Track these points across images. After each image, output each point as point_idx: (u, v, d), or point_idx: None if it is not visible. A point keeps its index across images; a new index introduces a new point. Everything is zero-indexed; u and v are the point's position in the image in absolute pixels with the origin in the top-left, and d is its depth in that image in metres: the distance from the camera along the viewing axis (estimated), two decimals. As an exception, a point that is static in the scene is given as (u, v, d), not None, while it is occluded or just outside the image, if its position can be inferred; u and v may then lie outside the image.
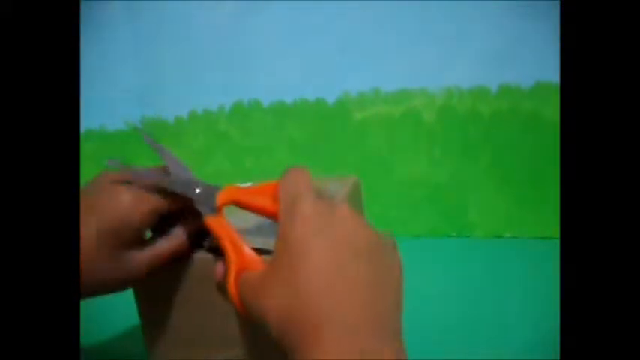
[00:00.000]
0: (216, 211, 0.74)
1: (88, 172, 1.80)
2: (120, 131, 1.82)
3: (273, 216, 0.68)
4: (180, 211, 0.79)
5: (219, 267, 0.74)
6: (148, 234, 0.81)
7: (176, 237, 0.78)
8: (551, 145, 1.42)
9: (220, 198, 0.75)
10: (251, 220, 0.77)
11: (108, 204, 0.68)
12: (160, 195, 0.76)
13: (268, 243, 0.68)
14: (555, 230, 1.46)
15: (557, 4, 0.65)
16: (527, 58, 1.41)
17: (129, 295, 0.87)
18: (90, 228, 0.66)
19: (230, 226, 0.73)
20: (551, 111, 1.42)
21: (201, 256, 0.79)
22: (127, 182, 0.76)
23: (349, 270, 0.54)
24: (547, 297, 1.04)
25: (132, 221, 0.73)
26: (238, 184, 0.84)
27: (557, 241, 0.65)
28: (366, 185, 1.59)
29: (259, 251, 0.71)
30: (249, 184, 0.85)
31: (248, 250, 0.69)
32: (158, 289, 0.82)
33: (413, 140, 1.55)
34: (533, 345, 1.04)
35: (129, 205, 0.68)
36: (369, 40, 1.54)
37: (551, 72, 1.39)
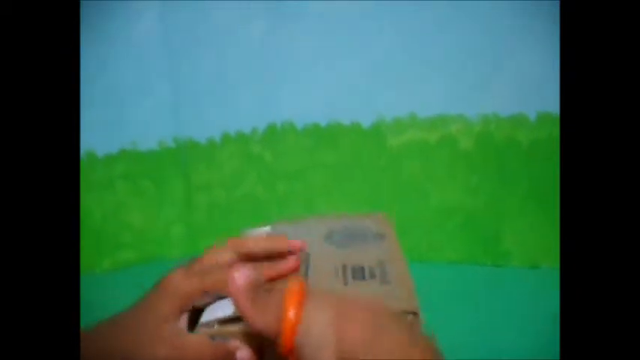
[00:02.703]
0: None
1: (120, 190, 1.82)
2: (152, 151, 1.82)
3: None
4: None
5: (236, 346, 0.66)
6: None
7: None
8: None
9: None
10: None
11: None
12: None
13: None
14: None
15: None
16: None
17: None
18: None
19: None
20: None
21: None
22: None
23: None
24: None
25: None
26: (257, 228, 0.82)
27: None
28: (401, 211, 1.58)
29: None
30: (267, 229, 0.84)
31: None
32: None
33: (449, 167, 1.53)
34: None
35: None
36: (405, 64, 1.53)
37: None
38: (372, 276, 0.62)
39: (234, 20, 1.66)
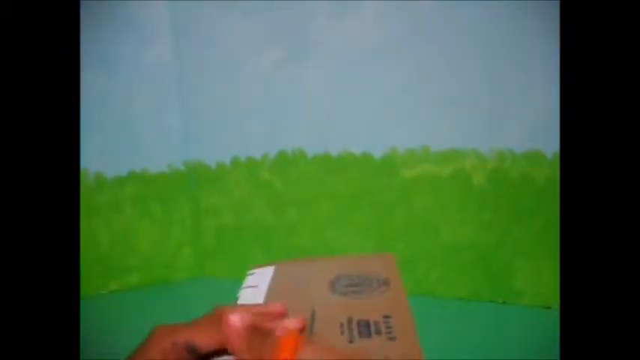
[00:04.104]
0: None
1: (128, 213, 1.81)
2: (162, 173, 1.81)
3: None
4: None
5: None
6: None
7: None
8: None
9: None
10: None
11: None
12: None
13: None
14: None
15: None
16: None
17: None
18: None
19: None
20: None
21: None
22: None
23: None
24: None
25: None
26: (262, 267, 0.79)
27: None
28: (411, 245, 1.54)
29: None
30: (272, 268, 0.80)
31: None
32: None
33: (461, 202, 1.50)
34: None
35: None
36: (419, 97, 1.51)
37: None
38: (378, 332, 0.61)
39: (247, 48, 1.65)
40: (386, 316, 0.64)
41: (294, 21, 1.59)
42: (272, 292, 0.71)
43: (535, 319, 1.46)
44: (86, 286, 1.57)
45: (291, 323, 0.57)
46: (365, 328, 0.62)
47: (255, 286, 0.73)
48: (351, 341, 0.60)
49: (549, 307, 1.47)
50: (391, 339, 0.60)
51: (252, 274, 0.84)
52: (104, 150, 1.70)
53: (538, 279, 1.48)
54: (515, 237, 1.48)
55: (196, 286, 1.82)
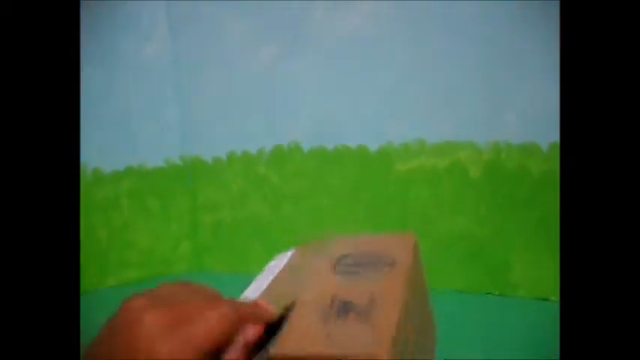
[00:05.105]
0: None
1: (126, 208, 1.81)
2: (159, 168, 1.81)
3: None
4: None
5: None
6: None
7: None
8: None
9: None
10: None
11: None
12: None
13: None
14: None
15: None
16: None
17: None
18: None
19: None
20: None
21: None
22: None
23: None
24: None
25: None
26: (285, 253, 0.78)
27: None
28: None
29: None
30: (291, 252, 0.79)
31: None
32: None
33: (457, 195, 1.51)
34: None
35: None
36: (414, 89, 1.51)
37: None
38: (357, 313, 0.59)
39: (244, 43, 1.66)
40: (371, 300, 0.61)
41: (291, 16, 1.59)
42: (277, 278, 0.69)
43: (533, 311, 1.47)
44: (84, 282, 1.58)
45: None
46: (344, 309, 0.59)
47: (270, 270, 0.71)
48: (326, 321, 0.57)
49: (547, 299, 1.48)
50: (364, 322, 0.56)
51: (277, 258, 0.81)
52: (102, 146, 1.70)
53: (535, 271, 1.49)
54: (511, 229, 1.49)
55: (194, 281, 1.82)
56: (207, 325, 0.48)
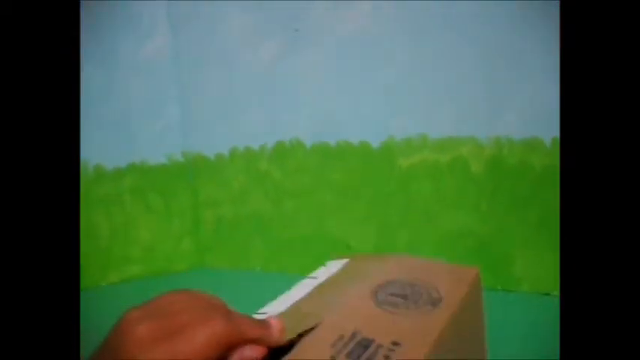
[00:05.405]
0: None
1: (128, 205, 1.81)
2: (161, 165, 1.81)
3: None
4: None
5: None
6: None
7: None
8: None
9: None
10: None
11: None
12: None
13: None
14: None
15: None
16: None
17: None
18: None
19: None
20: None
21: None
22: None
23: None
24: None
25: None
26: (336, 260, 0.74)
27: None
28: (410, 233, 1.55)
29: None
30: (344, 261, 0.74)
31: None
32: None
33: (459, 190, 1.50)
34: None
35: None
36: (416, 85, 1.51)
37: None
38: (371, 354, 0.53)
39: (244, 40, 1.65)
40: (395, 343, 0.55)
41: (292, 12, 1.59)
42: (310, 293, 0.64)
43: (535, 305, 1.47)
44: (87, 278, 1.58)
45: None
46: (358, 350, 0.54)
47: (315, 278, 0.66)
48: (335, 357, 0.52)
49: (548, 294, 1.48)
50: None
51: (325, 265, 0.74)
52: (104, 142, 1.70)
53: (537, 266, 1.49)
54: (513, 224, 1.49)
55: (197, 277, 1.83)
56: (195, 342, 0.47)
